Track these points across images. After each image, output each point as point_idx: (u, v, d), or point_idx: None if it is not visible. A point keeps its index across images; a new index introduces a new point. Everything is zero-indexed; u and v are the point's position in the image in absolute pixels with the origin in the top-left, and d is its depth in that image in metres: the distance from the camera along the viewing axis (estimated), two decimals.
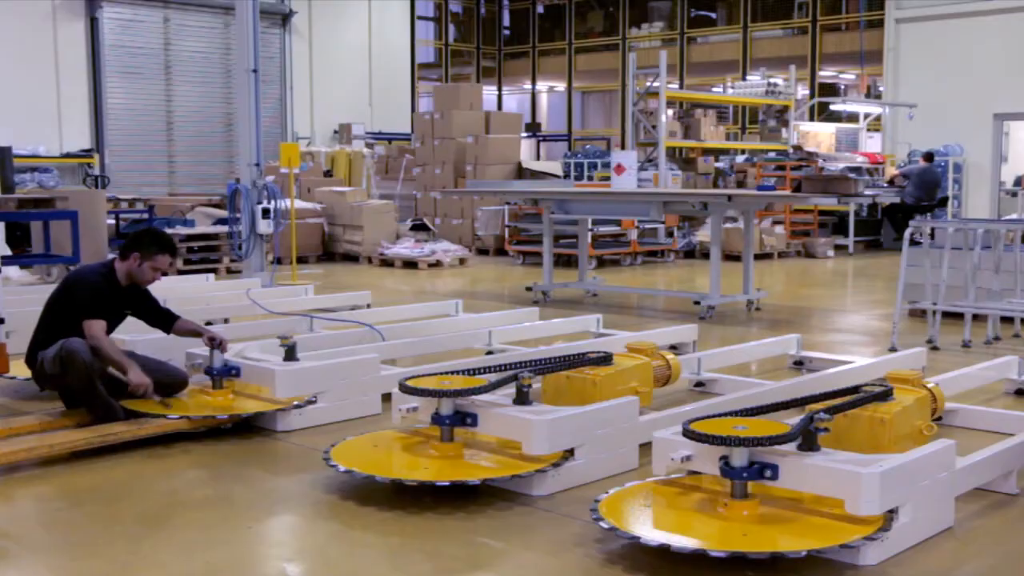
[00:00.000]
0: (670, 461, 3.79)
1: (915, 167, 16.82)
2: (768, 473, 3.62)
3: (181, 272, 12.03)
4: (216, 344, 5.44)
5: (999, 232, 8.23)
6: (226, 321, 8.03)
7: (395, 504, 4.08)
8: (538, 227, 14.25)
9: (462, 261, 14.19)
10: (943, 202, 16.72)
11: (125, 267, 5.33)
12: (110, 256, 5.45)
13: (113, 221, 14.26)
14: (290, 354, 5.51)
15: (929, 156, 16.92)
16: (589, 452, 4.36)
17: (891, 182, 17.03)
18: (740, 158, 18.68)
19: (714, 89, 27.33)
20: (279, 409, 5.21)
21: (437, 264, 13.82)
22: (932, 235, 8.17)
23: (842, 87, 27.52)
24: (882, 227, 17.44)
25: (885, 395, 4.30)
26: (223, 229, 12.83)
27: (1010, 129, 20.79)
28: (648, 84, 15.94)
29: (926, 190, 16.31)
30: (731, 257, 13.19)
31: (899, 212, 16.32)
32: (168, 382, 5.34)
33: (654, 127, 15.60)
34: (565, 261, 13.70)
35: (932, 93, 20.00)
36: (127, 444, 4.88)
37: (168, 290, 8.78)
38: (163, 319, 5.65)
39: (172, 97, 21.80)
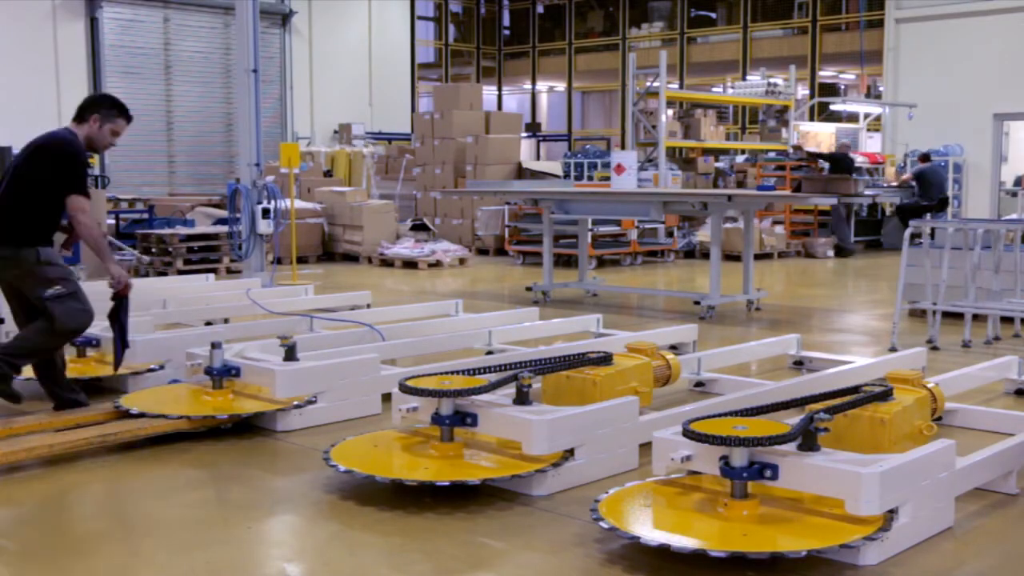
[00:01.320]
0: (670, 461, 3.79)
1: (924, 168, 16.83)
2: (768, 473, 3.62)
3: (181, 272, 12.04)
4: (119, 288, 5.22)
5: (999, 232, 8.23)
6: (226, 321, 8.03)
7: (395, 504, 4.08)
8: (538, 227, 14.25)
9: (462, 261, 14.19)
10: (944, 203, 16.71)
11: (84, 131, 5.13)
12: (64, 126, 5.24)
13: (113, 221, 14.28)
14: (290, 354, 5.51)
15: (926, 156, 16.92)
16: (589, 452, 4.36)
17: (902, 184, 17.03)
18: (740, 158, 18.69)
19: (714, 89, 27.33)
20: (279, 409, 5.21)
21: (437, 264, 13.82)
22: (932, 235, 8.17)
23: (842, 87, 27.52)
24: (882, 227, 17.43)
25: (885, 395, 4.30)
26: (223, 229, 12.83)
27: (1010, 129, 20.80)
28: (648, 84, 15.94)
29: (935, 189, 16.36)
30: (731, 257, 13.19)
31: (909, 212, 16.30)
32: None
33: (654, 127, 15.60)
34: (565, 261, 13.70)
35: (932, 93, 20.00)
36: (127, 444, 4.88)
37: (168, 290, 8.81)
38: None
39: (172, 97, 21.79)
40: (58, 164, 4.98)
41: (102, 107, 5.19)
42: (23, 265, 5.02)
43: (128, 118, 5.29)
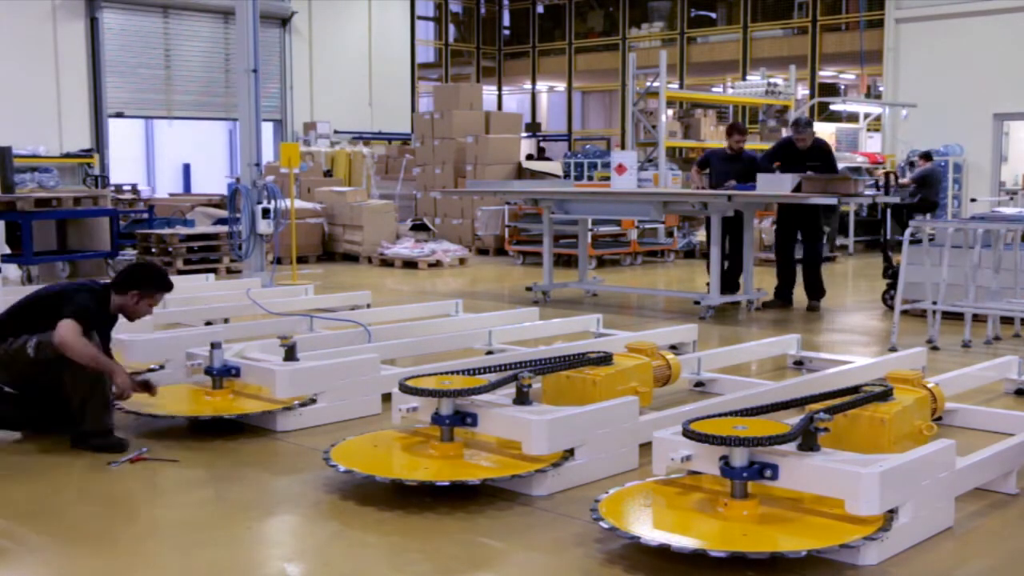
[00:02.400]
0: (670, 461, 3.79)
1: (926, 168, 16.81)
2: (768, 473, 3.62)
3: (181, 272, 12.04)
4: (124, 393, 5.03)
5: (999, 232, 8.22)
6: (226, 321, 8.03)
7: (395, 504, 4.08)
8: (538, 227, 14.24)
9: (462, 261, 14.19)
10: (934, 205, 16.66)
11: (120, 301, 5.09)
12: (103, 281, 5.20)
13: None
14: (290, 354, 5.51)
15: (927, 155, 16.90)
16: (589, 452, 4.36)
17: (904, 185, 17.01)
18: None
19: (714, 89, 27.32)
20: (279, 409, 5.21)
21: (437, 264, 13.82)
22: (932, 237, 8.17)
23: (842, 87, 27.51)
24: (881, 227, 17.40)
25: (885, 395, 4.30)
26: (223, 229, 12.83)
27: (1010, 129, 20.80)
28: (648, 84, 15.94)
29: (934, 189, 16.36)
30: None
31: (907, 211, 16.28)
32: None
33: (654, 127, 15.60)
34: (565, 261, 13.70)
35: (932, 93, 20.00)
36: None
37: None
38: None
39: (172, 97, 21.81)
40: (63, 302, 4.93)
41: (143, 284, 5.11)
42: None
43: (168, 289, 5.23)
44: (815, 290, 9.70)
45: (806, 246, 9.79)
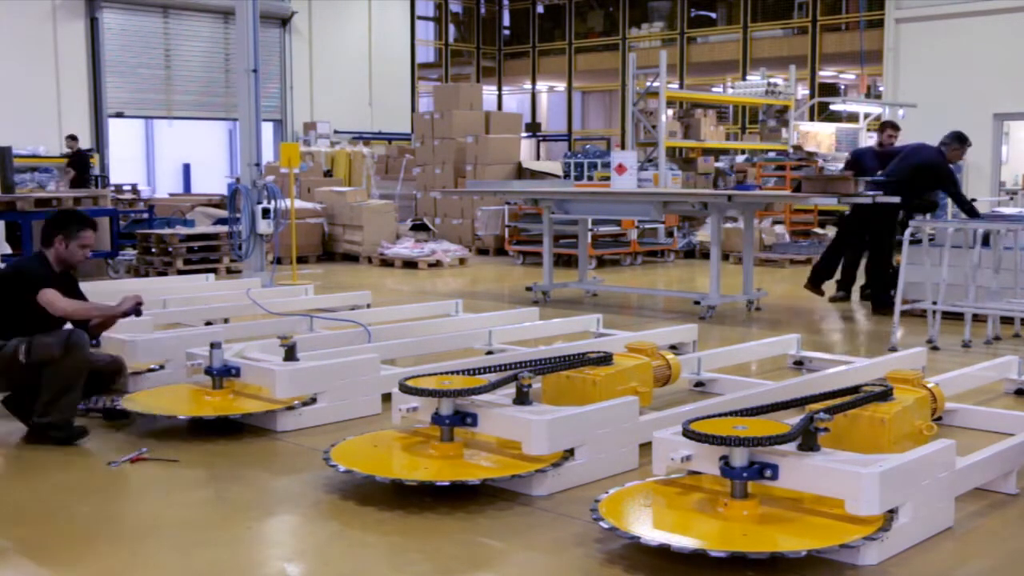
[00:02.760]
0: (670, 461, 3.79)
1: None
2: (768, 473, 3.62)
3: (181, 272, 12.03)
4: (134, 310, 5.31)
5: (999, 232, 8.22)
6: (226, 321, 8.03)
7: (395, 504, 4.08)
8: (538, 227, 14.23)
9: (462, 261, 14.19)
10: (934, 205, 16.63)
11: (53, 253, 5.21)
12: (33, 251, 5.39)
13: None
14: (290, 354, 5.51)
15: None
16: (589, 452, 4.36)
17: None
18: (740, 158, 18.67)
19: (714, 89, 27.32)
20: (279, 409, 5.21)
21: (437, 264, 13.82)
22: (932, 237, 8.17)
23: (842, 87, 27.51)
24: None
25: (885, 395, 4.30)
26: (223, 229, 12.83)
27: (1010, 129, 20.78)
28: (648, 84, 15.94)
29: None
30: (736, 258, 13.20)
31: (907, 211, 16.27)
32: (106, 369, 5.28)
33: (654, 127, 15.60)
34: (565, 261, 13.71)
35: (932, 93, 19.99)
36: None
37: (168, 290, 8.82)
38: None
39: (172, 97, 21.81)
40: (13, 285, 5.10)
41: (62, 226, 5.23)
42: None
43: (91, 226, 5.34)
44: (878, 290, 9.57)
45: (874, 247, 9.74)
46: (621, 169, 10.92)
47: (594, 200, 10.76)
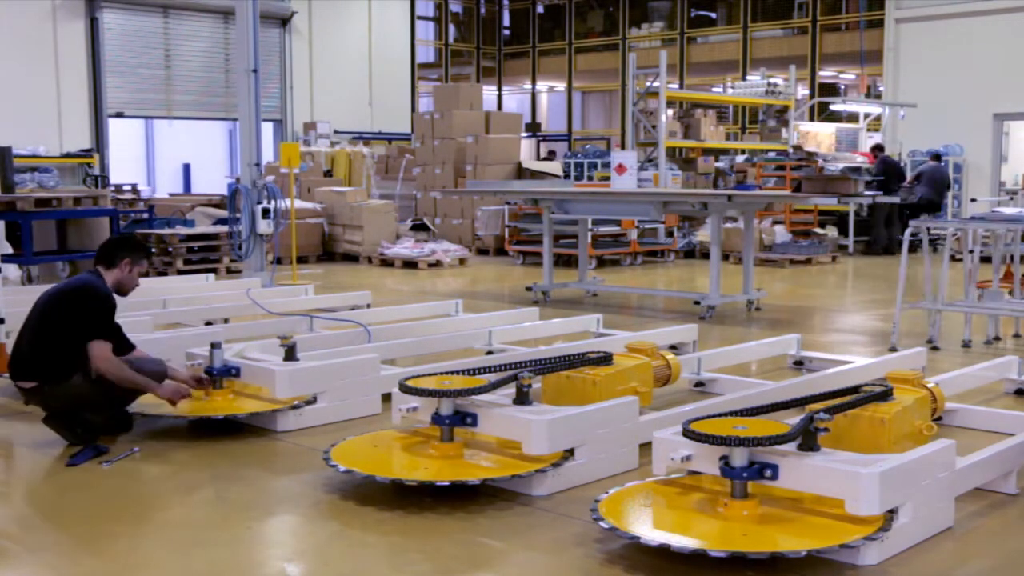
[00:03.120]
0: (670, 461, 3.79)
1: (926, 167, 16.82)
2: (768, 473, 3.62)
3: (181, 272, 12.03)
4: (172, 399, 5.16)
5: (999, 232, 8.22)
6: (226, 321, 8.03)
7: (395, 504, 4.08)
8: (538, 227, 14.23)
9: (462, 261, 14.19)
10: (937, 206, 16.67)
11: (115, 276, 5.08)
12: (87, 270, 5.18)
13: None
14: (290, 354, 5.51)
15: (937, 156, 16.95)
16: (589, 452, 4.36)
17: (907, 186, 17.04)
18: (740, 158, 18.67)
19: (714, 89, 27.31)
20: (279, 409, 5.21)
21: (437, 264, 13.82)
22: (935, 248, 8.18)
23: (842, 87, 27.51)
24: (874, 227, 17.39)
25: (885, 395, 4.30)
26: (223, 229, 12.83)
27: (1010, 129, 20.79)
28: (648, 84, 15.94)
29: (936, 189, 16.37)
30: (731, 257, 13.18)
31: (908, 211, 16.30)
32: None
33: (654, 127, 15.60)
34: (565, 261, 13.71)
35: (932, 93, 20.00)
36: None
37: (168, 290, 8.82)
38: (125, 342, 5.22)
39: (172, 97, 21.81)
40: (86, 311, 4.91)
41: (130, 251, 5.13)
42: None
43: (150, 257, 5.25)
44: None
45: None
46: (621, 169, 10.92)
47: (594, 200, 10.76)
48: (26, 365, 4.94)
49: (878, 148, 17.03)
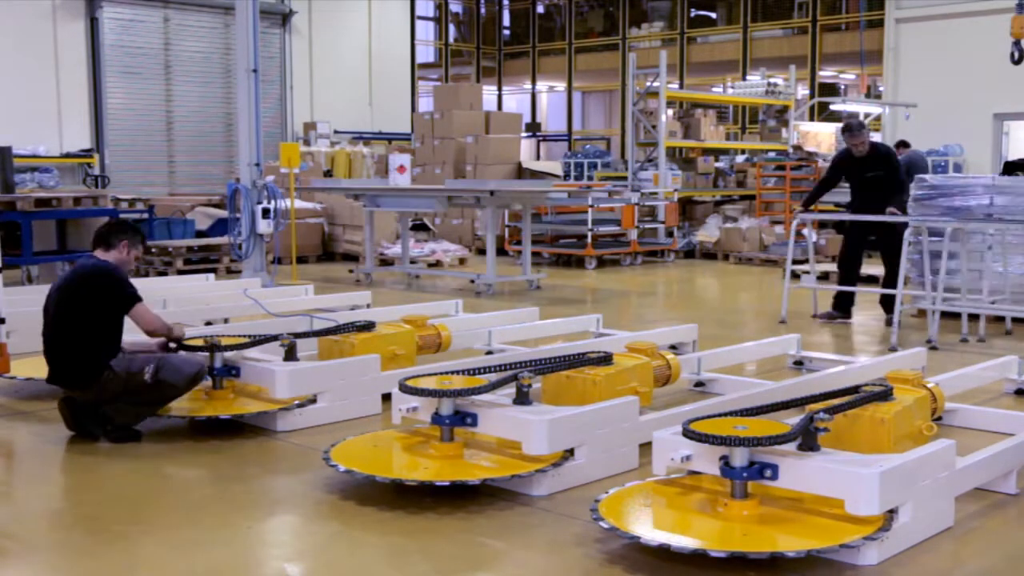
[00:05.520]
0: (670, 461, 3.79)
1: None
2: (768, 473, 3.62)
3: (181, 272, 12.03)
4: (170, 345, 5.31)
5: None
6: (226, 321, 8.03)
7: (395, 504, 4.07)
8: (539, 227, 14.26)
9: (462, 261, 14.19)
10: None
11: (113, 258, 5.15)
12: (89, 254, 5.26)
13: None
14: (290, 354, 5.51)
15: (904, 143, 16.59)
16: (589, 452, 4.36)
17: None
18: (740, 158, 18.68)
19: (714, 89, 27.31)
20: (279, 409, 5.21)
21: (437, 264, 13.82)
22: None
23: (842, 87, 27.50)
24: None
25: (885, 395, 4.30)
26: (223, 241, 12.80)
27: (1010, 129, 20.78)
28: (648, 84, 15.94)
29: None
30: (739, 260, 13.16)
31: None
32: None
33: (654, 127, 15.60)
34: (565, 261, 13.70)
35: (932, 93, 19.98)
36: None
37: (168, 290, 8.82)
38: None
39: (172, 97, 21.79)
40: (111, 286, 5.03)
41: (128, 233, 5.23)
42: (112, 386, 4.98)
43: (145, 241, 5.42)
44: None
45: (889, 264, 8.68)
46: (402, 169, 12.04)
47: (397, 195, 11.79)
48: (69, 366, 4.96)
49: (903, 144, 16.88)
